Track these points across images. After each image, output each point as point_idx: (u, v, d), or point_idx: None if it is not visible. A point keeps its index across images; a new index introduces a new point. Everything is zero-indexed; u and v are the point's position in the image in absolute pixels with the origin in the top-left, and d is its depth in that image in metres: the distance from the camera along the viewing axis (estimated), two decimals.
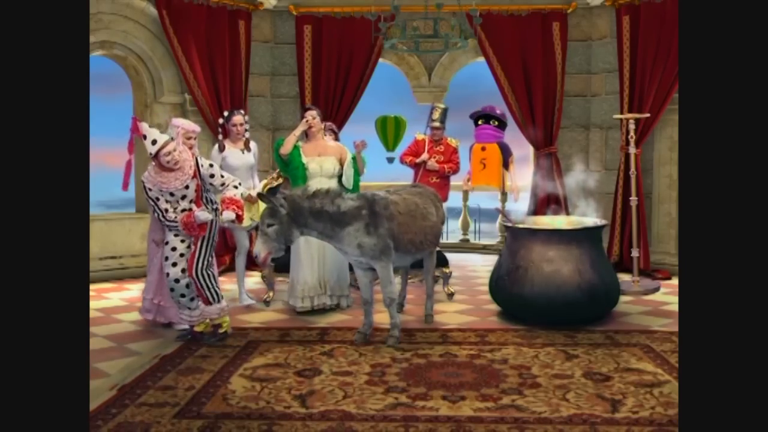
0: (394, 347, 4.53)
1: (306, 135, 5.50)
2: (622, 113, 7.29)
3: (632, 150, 6.73)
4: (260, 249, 4.33)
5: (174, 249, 4.66)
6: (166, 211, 4.59)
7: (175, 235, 4.67)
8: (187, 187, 4.61)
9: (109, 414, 3.42)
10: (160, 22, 7.16)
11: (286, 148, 5.35)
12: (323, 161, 5.42)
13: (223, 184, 4.75)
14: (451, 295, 6.11)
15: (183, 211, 4.61)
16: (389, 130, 7.79)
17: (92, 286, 4.90)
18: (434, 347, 4.56)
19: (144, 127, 4.59)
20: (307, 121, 5.41)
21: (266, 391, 3.74)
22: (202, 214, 4.61)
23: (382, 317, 5.46)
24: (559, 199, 7.70)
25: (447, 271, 6.17)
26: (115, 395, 3.68)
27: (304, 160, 5.40)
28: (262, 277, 6.19)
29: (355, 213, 4.50)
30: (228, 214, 4.64)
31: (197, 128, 5.50)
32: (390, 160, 7.60)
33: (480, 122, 7.85)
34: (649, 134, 7.33)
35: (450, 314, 5.58)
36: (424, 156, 6.95)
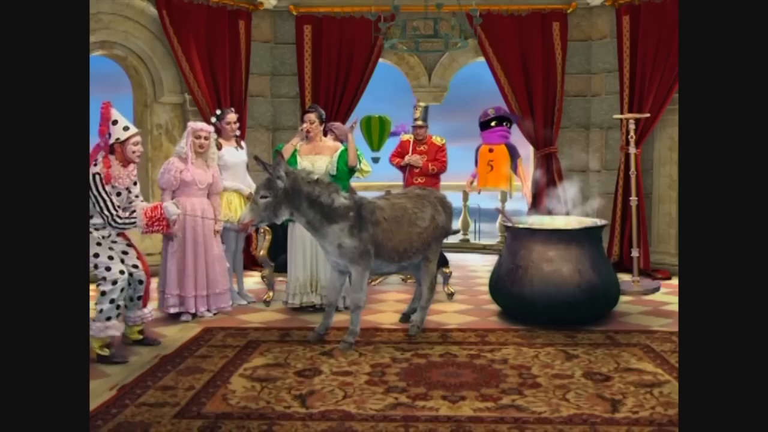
0: (348, 349, 4.48)
1: (306, 136, 5.54)
2: (622, 113, 7.29)
3: (632, 150, 6.73)
4: (245, 215, 4.45)
5: (126, 252, 4.51)
6: (119, 208, 4.40)
7: (113, 242, 4.48)
8: (128, 189, 4.50)
9: (109, 414, 3.42)
10: (160, 22, 7.16)
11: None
12: (316, 159, 5.44)
13: (137, 195, 4.59)
14: (451, 295, 6.12)
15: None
16: (374, 130, 7.77)
17: (92, 286, 4.88)
18: (434, 347, 4.55)
19: (115, 112, 4.45)
20: (302, 130, 5.47)
21: (266, 391, 3.74)
22: (171, 206, 4.55)
23: (384, 317, 5.47)
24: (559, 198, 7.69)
25: (447, 271, 6.17)
26: (115, 395, 3.68)
27: (299, 159, 5.43)
28: (262, 277, 6.20)
29: (343, 212, 4.51)
30: (172, 205, 4.61)
31: (208, 127, 5.51)
32: (375, 159, 7.57)
33: (493, 124, 7.62)
34: (649, 134, 7.34)
35: (450, 314, 5.58)
36: (407, 158, 6.85)
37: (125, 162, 4.46)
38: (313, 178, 4.52)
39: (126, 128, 4.42)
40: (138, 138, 4.46)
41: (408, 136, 7.03)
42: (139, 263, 4.56)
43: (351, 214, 4.52)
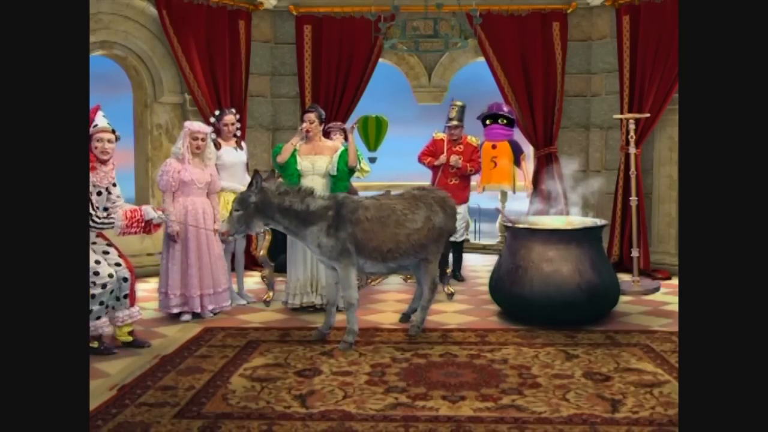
0: (347, 349, 4.48)
1: (305, 136, 5.54)
2: (622, 113, 7.29)
3: (632, 150, 6.73)
4: (222, 226, 4.75)
5: (106, 252, 4.47)
6: (98, 209, 4.36)
7: (93, 243, 4.41)
8: (107, 189, 4.45)
9: (109, 414, 3.42)
10: (160, 22, 7.16)
11: (283, 157, 5.45)
12: (316, 159, 5.45)
13: (118, 196, 4.55)
14: (451, 295, 6.12)
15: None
16: (370, 130, 7.75)
17: None
18: (434, 347, 4.55)
19: (99, 115, 4.41)
20: (302, 129, 5.47)
21: (266, 391, 3.74)
22: (150, 210, 4.58)
23: (384, 317, 5.47)
24: (560, 198, 7.68)
25: (447, 271, 6.17)
26: (115, 395, 3.68)
27: (298, 159, 5.44)
28: (262, 277, 6.20)
29: (321, 213, 4.60)
30: (149, 210, 4.61)
31: (205, 128, 5.50)
32: (372, 159, 7.52)
33: (488, 122, 7.67)
34: (649, 134, 7.34)
35: (450, 314, 5.58)
36: (443, 158, 6.65)
37: (101, 160, 4.41)
38: (282, 190, 4.63)
39: (95, 125, 4.35)
40: (101, 135, 4.35)
41: (441, 135, 6.84)
42: (121, 261, 4.53)
43: (330, 213, 4.60)
